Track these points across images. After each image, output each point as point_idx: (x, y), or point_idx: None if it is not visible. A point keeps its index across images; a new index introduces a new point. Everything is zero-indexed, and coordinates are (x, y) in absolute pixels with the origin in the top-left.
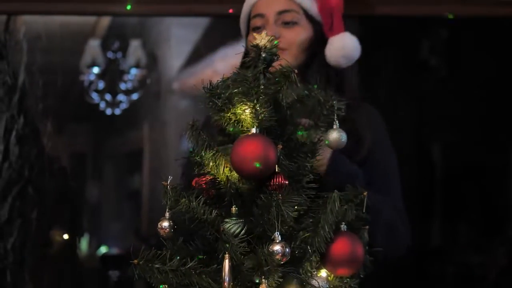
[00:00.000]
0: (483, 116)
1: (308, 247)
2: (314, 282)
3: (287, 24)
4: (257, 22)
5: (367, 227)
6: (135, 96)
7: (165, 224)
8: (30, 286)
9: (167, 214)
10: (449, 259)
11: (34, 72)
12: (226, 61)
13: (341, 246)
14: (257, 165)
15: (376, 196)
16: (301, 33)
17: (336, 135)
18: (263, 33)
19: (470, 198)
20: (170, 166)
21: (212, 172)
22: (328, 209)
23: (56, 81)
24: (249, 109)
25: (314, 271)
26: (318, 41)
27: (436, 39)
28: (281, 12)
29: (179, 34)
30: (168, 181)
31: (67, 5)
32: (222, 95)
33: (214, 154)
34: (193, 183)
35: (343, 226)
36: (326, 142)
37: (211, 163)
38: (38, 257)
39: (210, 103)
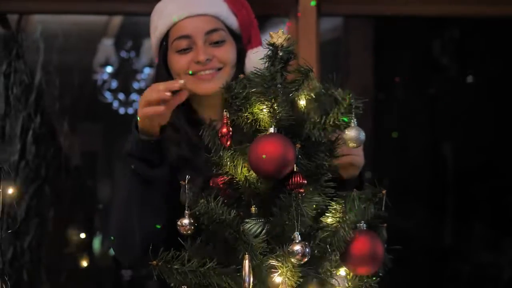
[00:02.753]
0: (497, 116)
1: (328, 246)
2: (333, 282)
3: (216, 43)
4: (181, 43)
5: (385, 225)
6: None
7: (185, 221)
8: (46, 285)
9: (186, 212)
10: (463, 259)
11: (51, 71)
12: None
13: (361, 245)
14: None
15: None
16: (230, 50)
17: (354, 133)
18: (280, 31)
19: (484, 198)
20: None
21: (230, 172)
22: (347, 208)
23: (71, 80)
24: (266, 108)
25: (333, 270)
26: (239, 54)
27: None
28: (208, 32)
29: None
30: (186, 180)
31: (81, 4)
32: (240, 95)
33: (232, 154)
34: (210, 183)
35: (363, 225)
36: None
37: (229, 163)
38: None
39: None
